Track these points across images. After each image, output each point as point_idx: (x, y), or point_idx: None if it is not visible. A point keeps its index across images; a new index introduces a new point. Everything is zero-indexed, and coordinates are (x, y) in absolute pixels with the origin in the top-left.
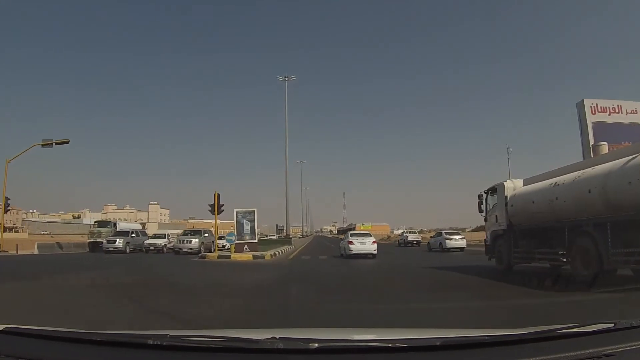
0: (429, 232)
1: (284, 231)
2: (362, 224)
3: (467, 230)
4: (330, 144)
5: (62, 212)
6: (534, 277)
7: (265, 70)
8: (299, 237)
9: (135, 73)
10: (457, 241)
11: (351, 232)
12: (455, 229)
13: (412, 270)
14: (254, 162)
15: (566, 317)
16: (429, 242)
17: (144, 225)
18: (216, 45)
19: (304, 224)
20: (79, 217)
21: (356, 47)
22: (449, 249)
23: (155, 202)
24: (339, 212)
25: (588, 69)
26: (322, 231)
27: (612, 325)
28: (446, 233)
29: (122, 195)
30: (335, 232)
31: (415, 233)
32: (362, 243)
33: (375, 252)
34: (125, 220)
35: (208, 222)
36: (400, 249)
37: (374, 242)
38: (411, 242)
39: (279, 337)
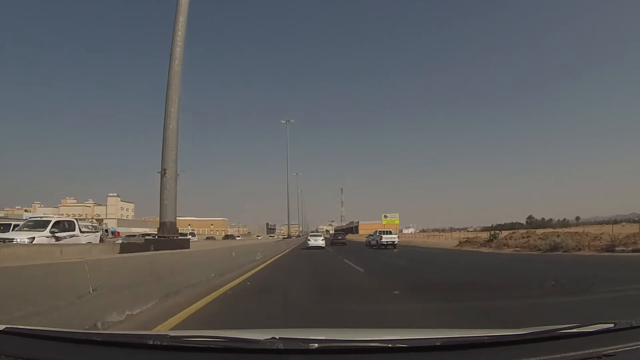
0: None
1: (275, 230)
2: (385, 217)
3: (469, 230)
4: (328, 140)
5: (19, 207)
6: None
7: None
8: (279, 239)
9: (86, 60)
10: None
11: (310, 232)
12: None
13: None
14: (242, 156)
15: (565, 318)
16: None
17: (100, 221)
18: (206, 39)
19: (293, 223)
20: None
21: (353, 45)
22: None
23: (115, 194)
24: (337, 210)
25: None
26: (317, 231)
27: (612, 325)
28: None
29: (100, 190)
30: (332, 232)
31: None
32: (315, 240)
33: (324, 245)
34: (79, 215)
35: (185, 219)
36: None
37: (322, 239)
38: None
39: (279, 337)
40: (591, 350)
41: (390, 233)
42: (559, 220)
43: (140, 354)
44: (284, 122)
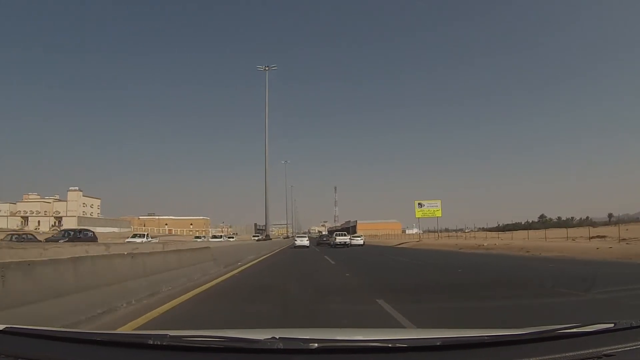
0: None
1: (263, 231)
2: (421, 205)
3: (465, 230)
4: (320, 139)
5: None
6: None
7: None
8: (237, 244)
9: (64, 55)
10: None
11: (297, 235)
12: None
13: None
14: (226, 151)
15: (566, 317)
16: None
17: (59, 219)
18: (198, 38)
19: (281, 223)
20: None
21: (346, 44)
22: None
23: (77, 188)
24: (331, 210)
25: None
26: (309, 232)
27: (612, 325)
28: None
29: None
30: (325, 233)
31: None
32: (301, 240)
33: (308, 245)
34: (38, 212)
35: (164, 218)
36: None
37: (307, 240)
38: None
39: (279, 337)
40: (591, 350)
41: (345, 235)
42: (580, 218)
43: (140, 353)
44: (261, 68)
